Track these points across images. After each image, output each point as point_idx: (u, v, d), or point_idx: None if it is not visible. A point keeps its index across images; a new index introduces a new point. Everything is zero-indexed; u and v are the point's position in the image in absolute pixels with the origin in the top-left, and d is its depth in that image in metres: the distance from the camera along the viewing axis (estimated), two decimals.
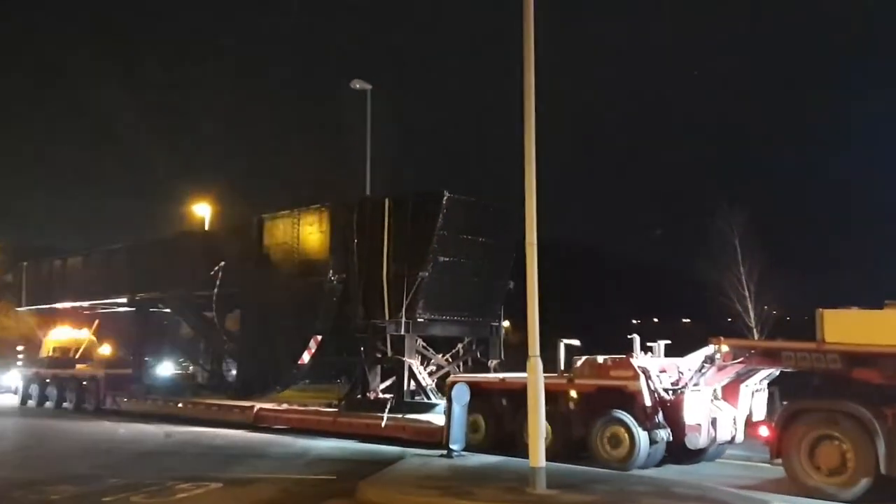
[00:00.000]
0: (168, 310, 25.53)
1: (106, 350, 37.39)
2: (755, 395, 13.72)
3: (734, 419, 13.50)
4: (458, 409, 14.11)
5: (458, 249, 17.65)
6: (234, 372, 26.65)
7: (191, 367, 30.28)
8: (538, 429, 10.65)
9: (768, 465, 12.06)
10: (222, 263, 20.52)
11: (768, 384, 13.79)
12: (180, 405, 22.86)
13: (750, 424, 11.94)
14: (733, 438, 13.60)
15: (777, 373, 13.27)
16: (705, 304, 25.38)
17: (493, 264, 18.56)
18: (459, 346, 18.94)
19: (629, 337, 14.55)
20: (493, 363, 18.75)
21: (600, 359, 13.84)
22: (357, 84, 26.62)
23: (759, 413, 13.85)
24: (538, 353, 10.87)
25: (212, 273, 20.65)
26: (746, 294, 22.04)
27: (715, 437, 13.25)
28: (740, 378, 13.25)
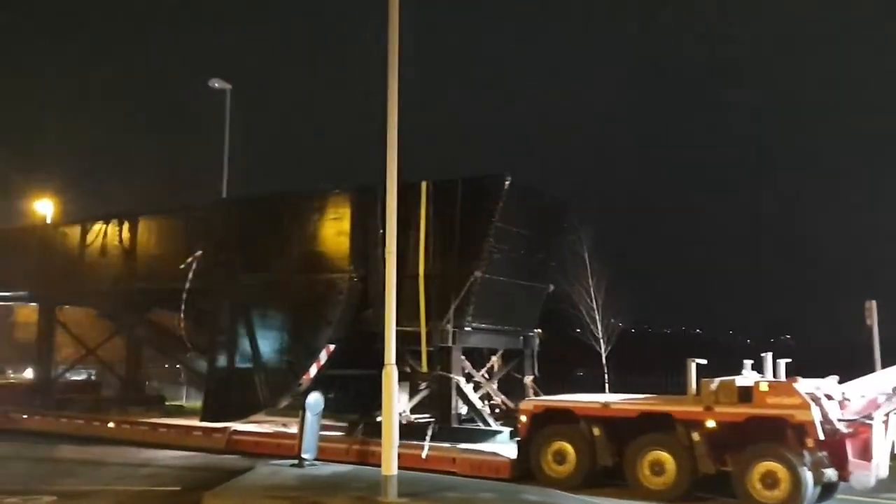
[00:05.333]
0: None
1: None
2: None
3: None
4: (311, 418, 13.98)
5: (511, 245, 14.93)
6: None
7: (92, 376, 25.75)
8: (392, 438, 10.98)
9: None
10: (198, 253, 16.64)
11: None
12: (111, 425, 18.69)
13: None
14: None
15: None
16: (556, 315, 25.30)
17: (536, 264, 15.96)
18: (494, 359, 16.16)
19: (762, 355, 12.47)
20: (528, 379, 16.13)
21: (745, 381, 11.60)
22: (216, 83, 25.24)
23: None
24: (394, 361, 11.25)
25: (182, 266, 16.71)
26: (594, 306, 21.57)
27: (878, 475, 11.33)
28: None
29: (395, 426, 11.09)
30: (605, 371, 22.70)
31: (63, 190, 34.47)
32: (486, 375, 15.90)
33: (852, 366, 13.93)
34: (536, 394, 15.42)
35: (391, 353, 11.23)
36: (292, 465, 13.68)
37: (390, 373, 11.13)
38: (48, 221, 28.58)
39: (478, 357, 16.16)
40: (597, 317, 22.82)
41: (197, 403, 23.75)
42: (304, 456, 13.78)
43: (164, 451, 16.32)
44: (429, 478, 12.55)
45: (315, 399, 14.19)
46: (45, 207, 31.50)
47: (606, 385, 21.96)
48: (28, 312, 35.50)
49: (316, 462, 13.88)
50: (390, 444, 10.91)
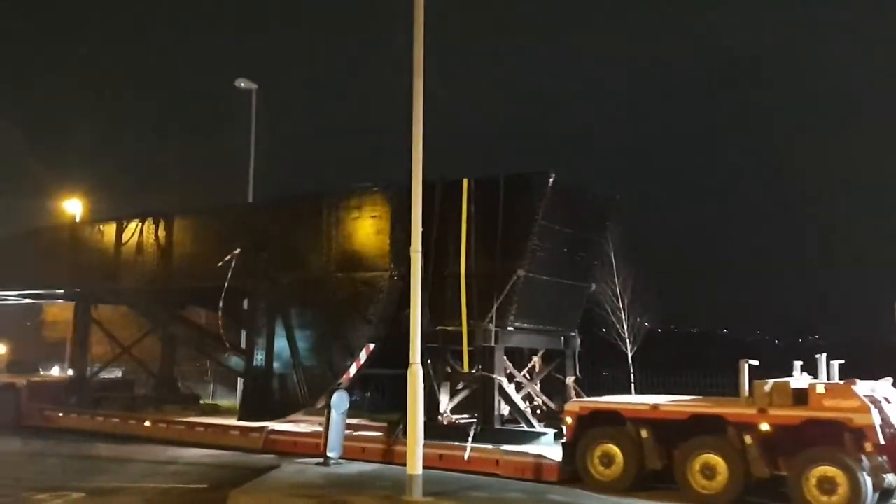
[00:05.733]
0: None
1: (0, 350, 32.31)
2: None
3: None
4: (336, 417, 14.01)
5: (554, 243, 14.72)
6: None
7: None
8: (417, 437, 11.02)
9: None
10: (237, 251, 16.54)
11: None
12: (147, 424, 18.66)
13: None
14: None
15: None
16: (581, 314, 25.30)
17: (580, 263, 15.73)
18: (535, 359, 15.92)
19: (816, 356, 12.16)
20: (570, 380, 15.88)
21: (800, 384, 11.30)
22: (242, 83, 25.40)
23: None
24: (419, 360, 11.25)
25: (220, 263, 16.61)
26: (620, 306, 21.27)
27: None
28: None
29: (419, 425, 11.13)
30: (632, 371, 22.45)
31: (91, 190, 34.85)
32: (528, 376, 15.66)
33: (880, 366, 13.54)
34: (578, 395, 15.20)
35: (416, 353, 11.30)
36: (318, 464, 13.82)
37: (415, 372, 11.17)
38: (77, 220, 28.79)
39: (518, 357, 15.94)
40: (623, 316, 22.62)
41: (224, 401, 23.87)
42: (329, 454, 13.90)
43: (191, 449, 16.47)
44: (454, 477, 12.54)
45: (340, 398, 14.21)
46: (74, 207, 31.98)
47: (633, 385, 21.72)
48: (56, 311, 35.84)
49: (341, 461, 13.98)
50: (415, 443, 10.98)
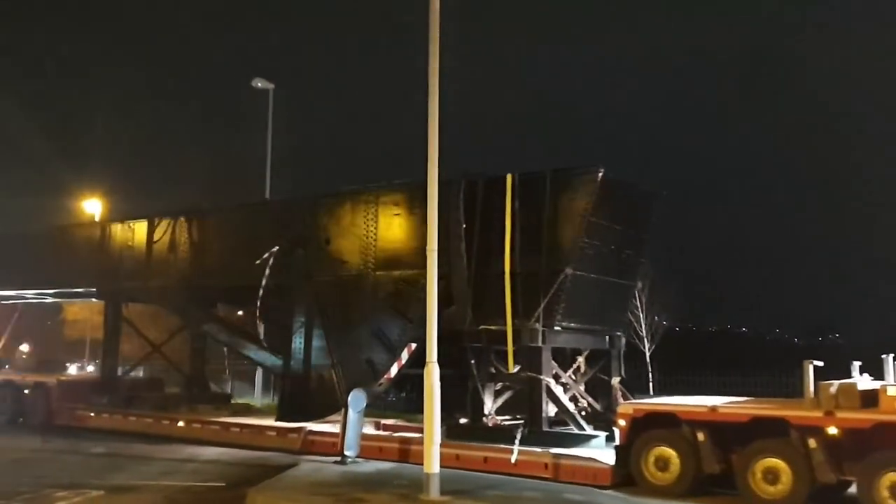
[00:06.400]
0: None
1: (25, 349, 32.30)
2: None
3: None
4: (354, 416, 14.03)
5: (602, 240, 14.32)
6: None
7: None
8: (433, 435, 10.92)
9: None
10: (275, 249, 16.23)
11: None
12: (181, 424, 18.41)
13: None
14: None
15: None
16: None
17: (626, 260, 15.33)
18: (579, 360, 15.53)
19: (883, 357, 11.75)
20: (615, 381, 15.46)
21: (866, 385, 10.90)
22: (259, 83, 25.26)
23: None
24: (435, 358, 11.11)
25: (258, 262, 16.30)
26: (638, 304, 20.92)
27: None
28: None
29: (436, 424, 11.05)
30: (650, 370, 22.16)
31: (110, 190, 34.89)
32: (573, 377, 15.28)
33: None
34: (625, 396, 14.80)
35: (433, 351, 11.16)
36: (335, 462, 13.85)
37: (431, 371, 11.07)
38: (99, 219, 28.62)
39: (560, 358, 15.56)
40: (640, 315, 22.18)
41: (243, 398, 23.69)
42: (346, 453, 13.90)
43: (209, 447, 16.50)
44: (472, 476, 12.55)
45: (356, 396, 14.17)
46: (93, 207, 32.14)
47: (651, 385, 21.43)
48: (77, 310, 35.79)
49: (358, 459, 13.99)
50: (431, 442, 10.92)
